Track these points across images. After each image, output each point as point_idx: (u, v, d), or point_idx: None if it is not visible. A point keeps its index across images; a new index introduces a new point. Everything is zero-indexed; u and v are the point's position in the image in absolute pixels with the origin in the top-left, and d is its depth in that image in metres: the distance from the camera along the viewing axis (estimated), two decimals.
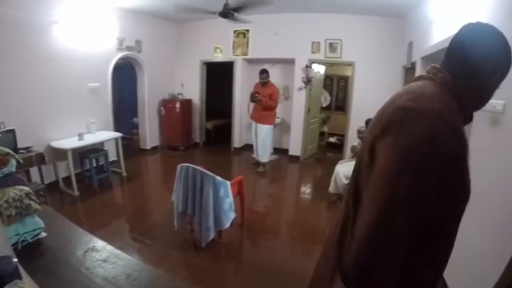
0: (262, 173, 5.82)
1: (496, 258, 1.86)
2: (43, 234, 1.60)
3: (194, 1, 4.64)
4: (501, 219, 1.99)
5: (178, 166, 3.11)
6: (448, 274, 2.55)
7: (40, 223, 1.60)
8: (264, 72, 5.48)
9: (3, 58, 3.84)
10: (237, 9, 4.37)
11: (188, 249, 3.15)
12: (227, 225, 3.04)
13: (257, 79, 5.66)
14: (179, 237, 3.31)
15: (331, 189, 4.42)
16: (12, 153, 1.90)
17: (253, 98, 5.50)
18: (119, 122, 6.77)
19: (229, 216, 3.06)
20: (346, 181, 4.18)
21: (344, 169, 4.30)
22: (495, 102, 2.08)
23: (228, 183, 3.04)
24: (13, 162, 1.85)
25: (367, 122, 4.19)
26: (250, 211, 3.95)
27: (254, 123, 5.75)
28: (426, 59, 3.95)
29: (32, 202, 1.54)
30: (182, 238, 3.31)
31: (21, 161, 1.99)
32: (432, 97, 0.82)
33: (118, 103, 6.88)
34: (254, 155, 5.98)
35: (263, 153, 5.81)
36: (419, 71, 4.13)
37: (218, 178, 2.91)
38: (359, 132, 4.78)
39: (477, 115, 2.54)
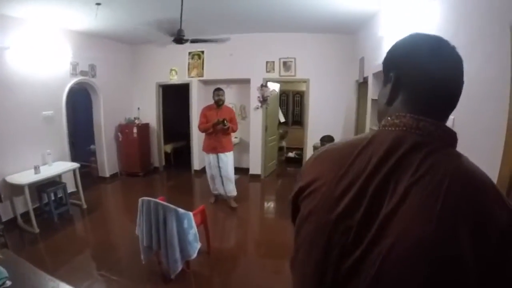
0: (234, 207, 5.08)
1: None
2: (8, 283, 1.56)
3: (150, 27, 4.77)
4: None
5: (140, 200, 3.07)
6: None
7: (3, 272, 1.56)
8: (220, 90, 4.88)
9: None
10: (193, 41, 4.57)
11: (157, 282, 3.11)
12: (194, 255, 3.03)
13: (212, 100, 5.10)
14: (147, 270, 3.25)
15: None
16: None
17: (223, 126, 4.62)
18: (75, 150, 6.53)
19: (195, 246, 3.06)
20: None
21: None
22: None
23: (191, 214, 3.04)
24: None
25: (322, 139, 4.51)
26: (216, 237, 3.97)
27: (212, 155, 4.90)
28: (377, 75, 4.34)
29: None
30: (150, 270, 3.26)
31: None
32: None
33: (74, 130, 6.64)
34: (216, 192, 5.20)
35: (232, 186, 5.06)
36: (371, 86, 4.51)
37: (181, 210, 2.91)
38: (315, 148, 5.06)
39: None
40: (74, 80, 5.58)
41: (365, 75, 5.00)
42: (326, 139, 4.48)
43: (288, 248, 3.36)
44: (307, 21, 5.34)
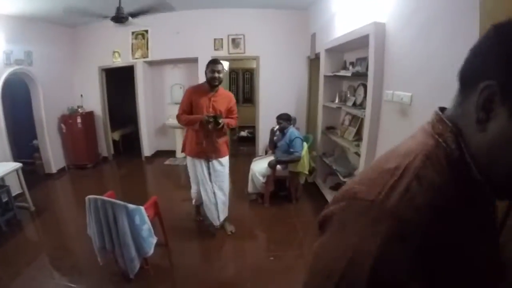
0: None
1: None
2: None
3: (84, 3, 4.37)
4: None
5: (86, 199, 2.90)
6: None
7: None
8: (218, 63, 3.37)
9: None
10: (133, 14, 4.28)
11: (119, 282, 3.05)
12: (151, 252, 2.98)
13: (159, 82, 4.46)
14: (106, 271, 3.15)
15: (250, 188, 4.67)
16: None
17: (215, 125, 3.28)
18: (17, 147, 6.05)
19: (151, 242, 2.99)
20: (263, 179, 4.48)
21: (260, 167, 4.58)
22: (403, 94, 2.47)
23: (142, 208, 2.93)
24: None
25: (279, 117, 4.56)
26: (171, 227, 3.86)
27: (200, 161, 3.58)
28: (330, 51, 4.39)
29: None
30: (110, 271, 3.15)
31: None
32: None
33: (14, 126, 6.10)
34: (209, 216, 3.81)
35: (224, 199, 3.79)
36: (323, 62, 4.55)
37: (131, 206, 2.77)
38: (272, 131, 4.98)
39: (386, 106, 2.94)
40: (8, 70, 5.07)
41: (317, 51, 5.05)
42: (284, 117, 4.51)
43: (247, 231, 3.85)
44: None
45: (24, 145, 6.52)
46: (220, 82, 3.38)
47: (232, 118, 3.62)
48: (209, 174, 3.58)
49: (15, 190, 4.79)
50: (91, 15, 4.18)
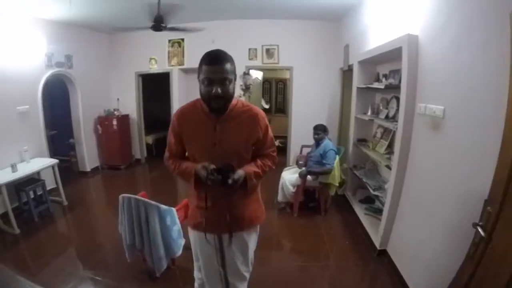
0: None
1: (450, 254, 2.11)
2: None
3: (124, 16, 4.62)
4: (448, 220, 2.25)
5: (120, 197, 3.00)
6: (407, 268, 2.90)
7: None
8: (221, 63, 1.63)
9: None
10: (170, 29, 4.47)
11: (144, 280, 3.14)
12: (179, 252, 3.03)
13: (194, 90, 4.48)
14: (133, 268, 3.26)
15: (280, 197, 4.70)
16: None
17: (223, 181, 1.64)
18: (55, 144, 6.47)
19: (180, 243, 3.05)
20: (293, 189, 4.52)
21: (290, 176, 4.64)
22: (436, 107, 2.43)
23: (174, 210, 3.00)
24: None
25: (316, 128, 4.61)
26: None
27: (213, 237, 1.92)
28: (363, 63, 4.39)
29: None
30: (136, 269, 3.26)
31: None
32: None
33: (52, 124, 6.53)
34: None
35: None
36: (356, 74, 4.54)
37: (163, 206, 2.85)
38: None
39: (419, 119, 2.90)
40: (49, 72, 5.46)
41: (350, 63, 5.05)
42: (321, 128, 4.58)
43: (275, 241, 3.78)
44: (291, 8, 5.34)
45: (61, 143, 6.91)
46: (227, 100, 1.70)
47: (264, 158, 1.93)
48: (222, 258, 1.96)
49: (50, 184, 5.11)
50: (133, 23, 4.39)
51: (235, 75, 1.77)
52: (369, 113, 4.30)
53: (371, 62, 4.32)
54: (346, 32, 5.49)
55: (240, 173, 1.70)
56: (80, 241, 4.09)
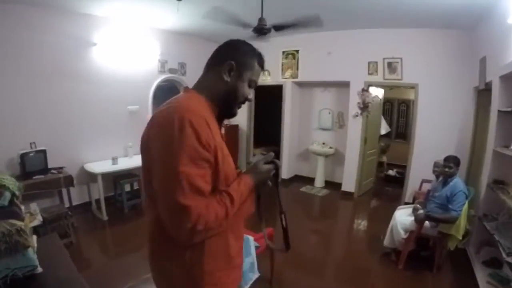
0: None
1: None
2: (39, 270, 1.61)
3: (231, 21, 4.58)
4: None
5: None
6: None
7: (33, 260, 1.59)
8: None
9: (37, 78, 4.19)
10: (276, 27, 4.20)
11: None
12: (246, 287, 2.69)
13: (308, 104, 4.87)
14: None
15: (386, 242, 3.87)
16: (8, 185, 1.89)
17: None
18: None
19: (249, 277, 2.71)
20: (404, 235, 3.65)
21: (404, 218, 3.78)
22: None
23: (250, 239, 2.65)
24: (6, 195, 1.84)
25: (447, 159, 3.64)
26: (283, 261, 3.57)
27: None
28: (507, 79, 3.37)
29: (21, 239, 1.54)
30: None
31: (18, 193, 1.98)
32: None
33: None
34: None
35: None
36: (497, 92, 3.52)
37: None
38: (435, 165, 4.27)
39: None
40: (162, 77, 5.92)
41: (487, 80, 3.95)
42: (454, 161, 3.60)
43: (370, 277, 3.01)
44: (415, 14, 4.59)
45: None
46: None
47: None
48: None
49: None
50: (234, 23, 4.27)
51: None
52: None
53: None
54: (483, 42, 4.35)
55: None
56: None
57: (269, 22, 4.10)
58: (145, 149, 1.10)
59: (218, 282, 1.17)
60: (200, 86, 1.27)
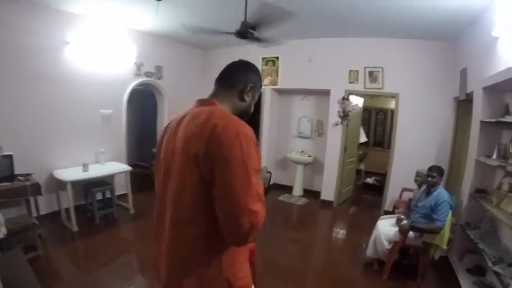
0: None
1: None
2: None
3: (209, 22, 4.46)
4: None
5: None
6: None
7: None
8: None
9: (1, 78, 3.90)
10: (254, 27, 4.09)
11: None
12: None
13: (287, 112, 4.85)
14: None
15: (369, 252, 3.81)
16: None
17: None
18: (140, 150, 6.67)
19: None
20: (388, 245, 3.61)
21: (387, 229, 3.73)
22: None
23: None
24: None
25: (430, 169, 3.64)
26: (266, 272, 3.47)
27: None
28: (489, 90, 3.39)
29: None
30: None
31: None
32: None
33: (140, 131, 6.79)
34: None
35: None
36: (479, 104, 3.54)
37: None
38: (417, 174, 4.36)
39: None
40: (137, 80, 5.67)
41: (468, 91, 4.02)
42: (438, 171, 3.59)
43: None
44: (397, 24, 4.63)
45: (147, 150, 7.10)
46: None
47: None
48: None
49: (122, 190, 5.11)
50: (214, 33, 4.17)
51: None
52: (494, 156, 3.23)
53: (499, 89, 3.29)
54: (464, 52, 4.46)
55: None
56: (139, 249, 4.04)
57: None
58: (198, 157, 1.10)
59: (244, 276, 1.34)
60: (222, 100, 1.36)
